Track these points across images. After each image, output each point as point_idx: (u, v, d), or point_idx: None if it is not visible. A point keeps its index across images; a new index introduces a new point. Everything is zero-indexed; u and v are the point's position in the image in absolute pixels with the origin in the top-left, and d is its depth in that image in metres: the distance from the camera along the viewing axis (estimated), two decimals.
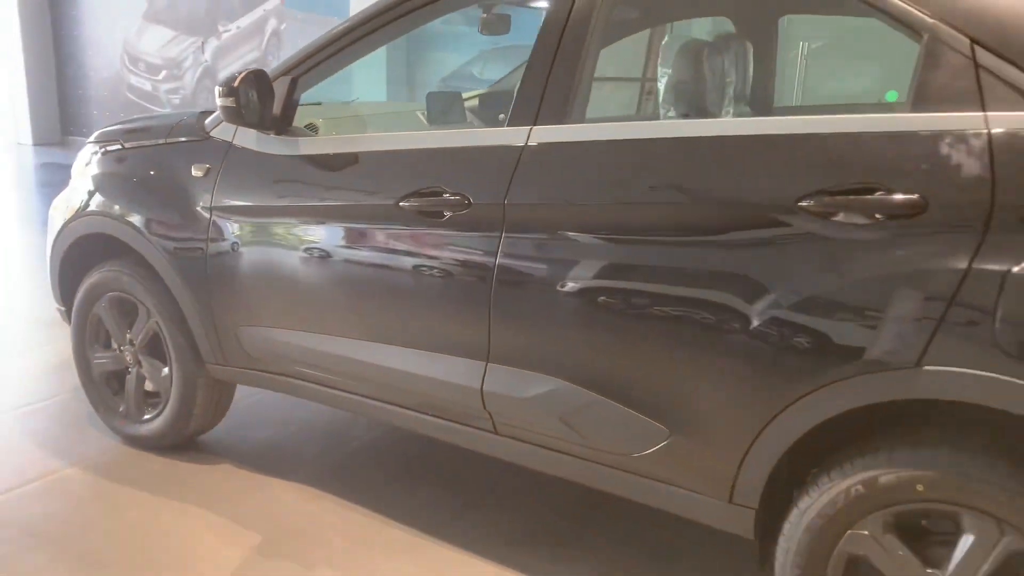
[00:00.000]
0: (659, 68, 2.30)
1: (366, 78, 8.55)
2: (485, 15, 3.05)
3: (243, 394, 3.28)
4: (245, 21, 10.63)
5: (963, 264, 1.59)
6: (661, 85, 2.29)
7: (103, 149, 3.06)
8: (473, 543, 2.54)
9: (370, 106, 3.40)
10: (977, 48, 1.63)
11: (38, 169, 10.17)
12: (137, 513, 2.68)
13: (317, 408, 3.38)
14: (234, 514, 2.67)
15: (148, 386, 3.06)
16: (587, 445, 2.13)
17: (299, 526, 2.62)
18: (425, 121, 3.15)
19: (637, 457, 2.04)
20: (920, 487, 1.68)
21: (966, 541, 1.67)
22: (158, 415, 3.01)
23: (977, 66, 1.63)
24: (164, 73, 11.37)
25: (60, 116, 12.44)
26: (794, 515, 1.85)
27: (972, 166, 1.59)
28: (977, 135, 1.60)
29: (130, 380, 3.06)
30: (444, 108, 3.15)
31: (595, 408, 2.07)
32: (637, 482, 2.08)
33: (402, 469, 3.02)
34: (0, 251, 5.97)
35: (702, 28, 2.97)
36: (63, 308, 3.22)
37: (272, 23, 10.22)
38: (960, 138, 1.61)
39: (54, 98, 12.69)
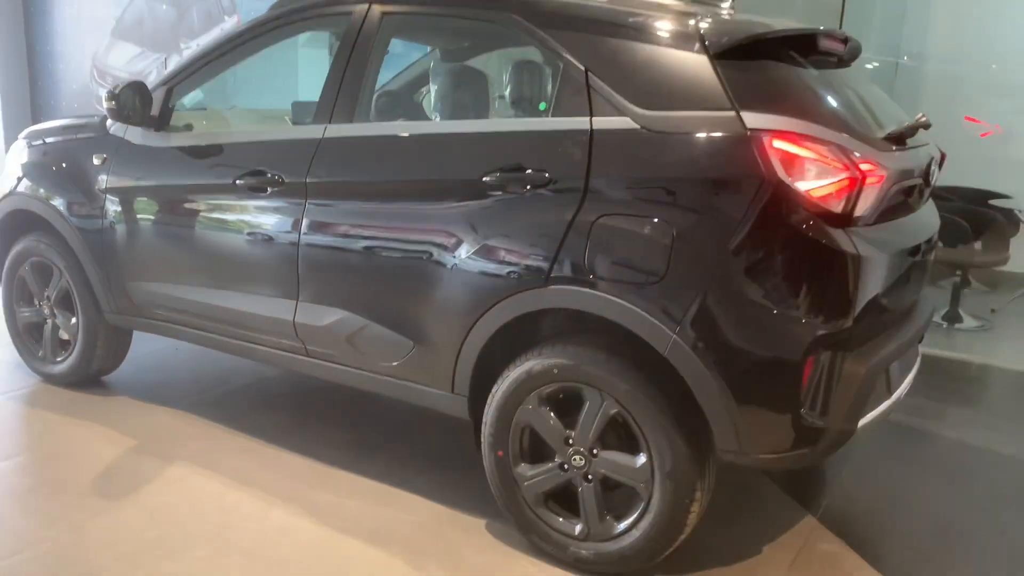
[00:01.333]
0: (430, 84, 3.10)
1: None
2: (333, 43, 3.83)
3: (147, 348, 4.04)
4: (205, 39, 11.41)
5: (570, 216, 2.37)
6: (432, 96, 3.09)
7: (29, 144, 3.82)
8: (307, 447, 3.28)
9: (243, 112, 4.16)
10: (589, 74, 2.43)
11: None
12: (42, 426, 3.43)
13: (205, 359, 4.15)
14: (119, 427, 3.41)
15: (62, 335, 3.80)
16: (364, 359, 2.89)
17: (168, 436, 3.37)
18: (290, 123, 3.92)
19: (395, 365, 2.81)
20: (555, 371, 2.46)
21: (585, 407, 2.45)
22: (68, 356, 3.75)
23: (588, 87, 2.43)
24: None
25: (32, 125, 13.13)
26: (490, 400, 2.62)
27: (578, 153, 2.39)
28: (584, 132, 2.39)
29: (47, 329, 3.81)
30: (304, 113, 3.91)
31: (367, 330, 2.84)
32: (397, 384, 2.85)
33: (263, 401, 3.78)
34: None
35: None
36: None
37: None
38: (574, 135, 2.41)
39: (27, 109, 13.38)
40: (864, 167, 2.21)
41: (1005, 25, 6.56)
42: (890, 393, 2.59)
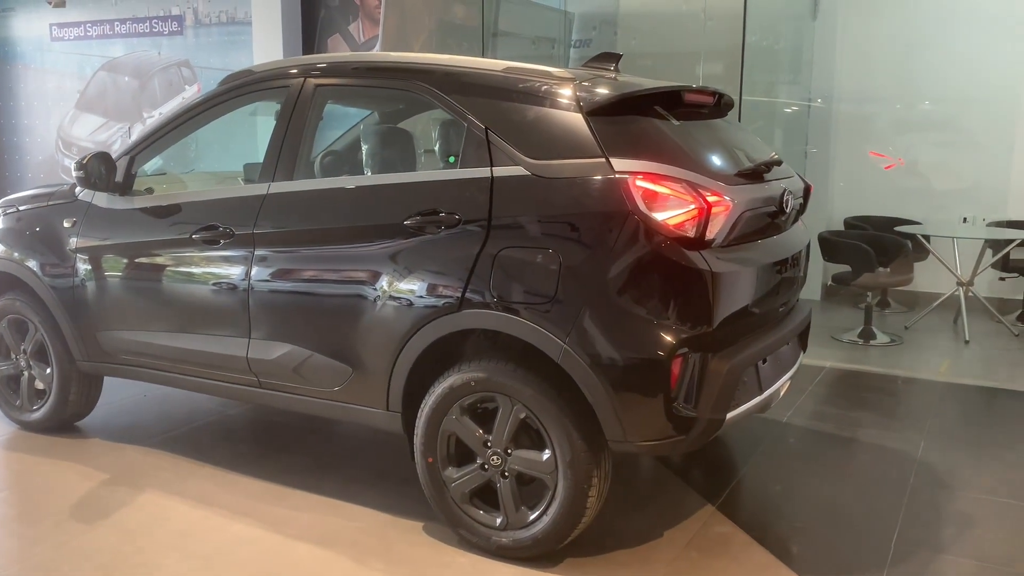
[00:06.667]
0: (361, 143, 3.55)
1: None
2: None
3: (117, 396, 4.38)
4: (166, 108, 11.87)
5: (477, 251, 2.81)
6: (363, 153, 3.55)
7: (4, 212, 4.20)
8: (264, 472, 3.64)
9: (201, 175, 4.58)
10: (489, 132, 2.89)
11: None
12: (21, 466, 3.76)
13: (172, 402, 4.50)
14: (94, 464, 3.75)
15: (38, 385, 4.14)
16: (310, 386, 3.28)
17: (138, 468, 3.71)
18: (243, 183, 4.34)
19: (337, 390, 3.20)
20: (473, 383, 2.87)
21: (499, 413, 2.86)
22: (44, 404, 4.09)
23: (489, 142, 2.89)
24: None
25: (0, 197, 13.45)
26: (420, 414, 3.02)
27: (482, 197, 2.84)
28: (486, 180, 2.84)
29: (23, 381, 4.15)
30: (254, 173, 4.33)
31: (311, 360, 3.23)
32: (340, 407, 3.23)
33: (225, 436, 4.13)
34: None
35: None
36: None
37: None
38: (478, 182, 2.86)
39: None
40: (711, 199, 2.67)
41: (905, 66, 7.20)
42: (761, 390, 3.03)
